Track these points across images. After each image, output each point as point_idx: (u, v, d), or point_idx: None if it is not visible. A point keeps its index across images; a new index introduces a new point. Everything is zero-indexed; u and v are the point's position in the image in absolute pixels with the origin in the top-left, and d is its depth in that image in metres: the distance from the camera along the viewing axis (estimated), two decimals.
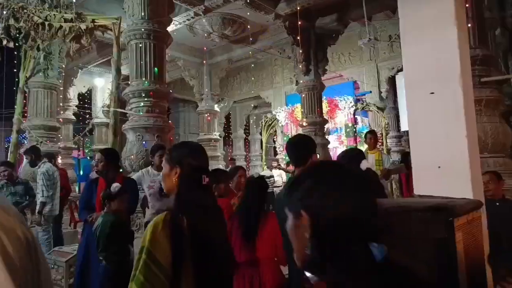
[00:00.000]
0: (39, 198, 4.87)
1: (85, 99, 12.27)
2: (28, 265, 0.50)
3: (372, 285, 0.68)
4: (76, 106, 10.98)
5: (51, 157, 5.58)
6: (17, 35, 5.95)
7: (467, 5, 4.09)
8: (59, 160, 7.42)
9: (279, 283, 2.44)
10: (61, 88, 8.22)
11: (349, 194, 0.74)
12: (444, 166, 1.95)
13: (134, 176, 3.85)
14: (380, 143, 9.36)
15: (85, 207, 3.22)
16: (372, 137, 5.61)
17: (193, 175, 1.62)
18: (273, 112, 12.32)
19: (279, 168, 9.32)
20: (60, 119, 8.79)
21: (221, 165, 10.66)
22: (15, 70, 6.97)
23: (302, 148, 2.23)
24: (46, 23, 5.51)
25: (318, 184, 0.76)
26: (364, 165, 2.40)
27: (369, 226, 0.72)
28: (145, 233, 1.49)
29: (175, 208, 1.57)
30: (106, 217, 2.91)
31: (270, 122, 13.72)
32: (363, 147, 7.82)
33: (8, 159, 6.36)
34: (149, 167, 3.93)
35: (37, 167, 5.17)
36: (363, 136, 8.77)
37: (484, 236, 1.80)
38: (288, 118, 11.49)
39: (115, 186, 2.95)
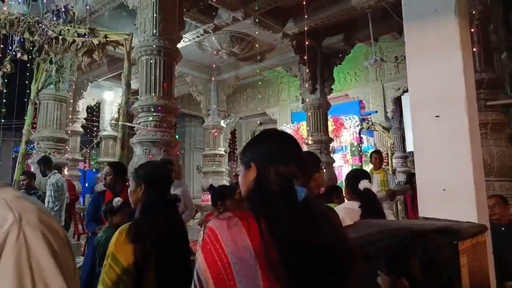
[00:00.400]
0: None
1: (94, 112, 12.43)
2: (69, 260, 0.53)
3: (293, 216, 0.93)
4: (85, 118, 11.12)
5: (57, 169, 5.65)
6: (31, 48, 6.12)
7: (472, 30, 4.16)
8: (65, 172, 7.49)
9: None
10: (71, 101, 8.37)
11: (282, 152, 1.04)
12: (449, 189, 1.96)
13: None
14: (385, 163, 9.33)
15: (92, 218, 3.24)
16: (377, 156, 5.61)
17: (157, 189, 1.88)
18: (279, 129, 12.37)
19: None
20: (69, 131, 8.91)
21: (225, 181, 10.66)
22: (26, 82, 7.12)
23: None
24: (60, 37, 5.65)
25: (263, 145, 1.08)
26: (362, 185, 2.38)
27: (297, 175, 1.00)
28: (111, 241, 1.75)
29: (140, 217, 1.84)
30: (109, 231, 2.92)
31: None
32: (368, 167, 7.80)
33: (16, 169, 6.43)
34: None
35: (47, 177, 5.23)
36: (368, 155, 8.76)
37: (489, 261, 1.80)
38: (294, 136, 11.52)
39: (117, 200, 2.98)
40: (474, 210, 1.85)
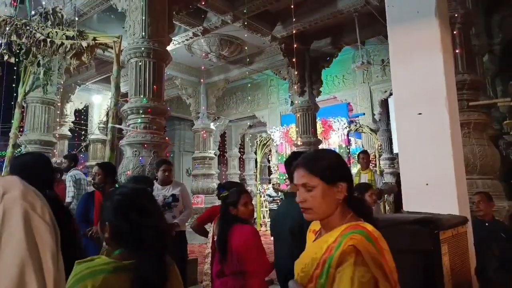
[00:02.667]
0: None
1: (82, 115, 12.32)
2: (45, 240, 0.57)
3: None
4: (72, 122, 11.01)
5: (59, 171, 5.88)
6: (18, 50, 6.06)
7: (454, 32, 4.29)
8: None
9: None
10: (59, 104, 8.29)
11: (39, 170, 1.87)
12: (431, 184, 2.04)
13: None
14: (373, 165, 9.46)
15: (83, 220, 3.23)
16: (364, 157, 5.70)
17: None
18: (268, 132, 12.44)
19: (275, 188, 9.72)
20: (57, 134, 8.83)
21: (215, 184, 10.66)
22: (13, 85, 7.04)
23: (289, 165, 2.30)
24: (48, 39, 5.62)
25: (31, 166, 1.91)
26: None
27: (43, 180, 1.85)
28: None
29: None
30: None
31: (265, 142, 13.79)
32: (356, 168, 7.91)
33: (2, 174, 6.35)
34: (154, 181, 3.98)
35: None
36: (356, 157, 8.86)
37: (470, 251, 1.87)
38: (283, 138, 11.60)
39: None
40: (455, 203, 1.93)
